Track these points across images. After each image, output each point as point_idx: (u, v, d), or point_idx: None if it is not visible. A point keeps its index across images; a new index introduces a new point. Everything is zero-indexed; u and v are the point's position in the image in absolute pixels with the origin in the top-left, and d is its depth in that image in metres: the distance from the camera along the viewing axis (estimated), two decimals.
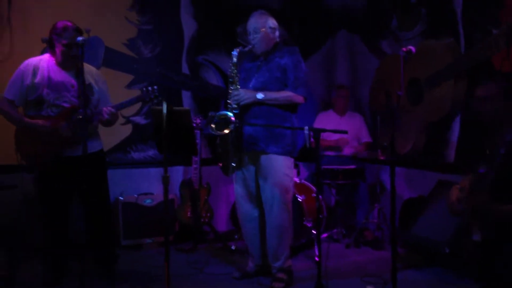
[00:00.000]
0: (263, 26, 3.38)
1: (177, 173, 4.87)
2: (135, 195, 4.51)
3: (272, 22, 3.44)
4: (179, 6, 4.97)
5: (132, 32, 4.76)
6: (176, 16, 4.96)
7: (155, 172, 4.82)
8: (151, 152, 4.84)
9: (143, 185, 4.72)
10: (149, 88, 3.34)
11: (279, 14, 5.27)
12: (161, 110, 2.44)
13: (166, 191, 2.35)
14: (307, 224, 4.13)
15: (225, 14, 5.12)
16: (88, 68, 3.38)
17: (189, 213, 4.50)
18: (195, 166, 4.49)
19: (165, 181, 2.38)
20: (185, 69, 5.00)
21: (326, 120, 4.94)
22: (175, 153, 2.86)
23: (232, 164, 3.34)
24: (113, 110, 3.27)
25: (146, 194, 4.58)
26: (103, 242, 3.53)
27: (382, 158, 4.29)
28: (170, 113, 2.45)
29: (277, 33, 3.46)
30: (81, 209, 3.43)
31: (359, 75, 5.42)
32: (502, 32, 3.61)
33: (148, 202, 4.52)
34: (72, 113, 3.23)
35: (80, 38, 2.88)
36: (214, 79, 5.12)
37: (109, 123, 3.40)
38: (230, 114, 3.11)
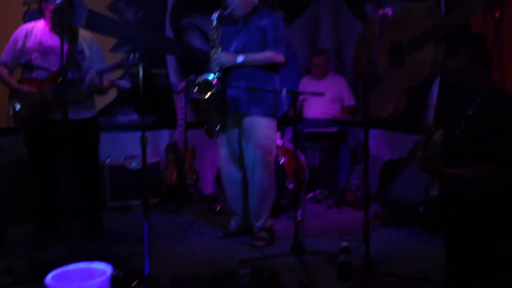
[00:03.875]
0: None
1: (163, 137, 4.93)
2: (121, 159, 4.57)
3: None
4: None
5: None
6: None
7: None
8: (135, 116, 4.86)
9: (129, 148, 4.77)
10: (131, 55, 3.33)
11: None
12: (137, 73, 2.48)
13: (144, 152, 2.44)
14: (289, 186, 4.24)
15: None
16: (83, 33, 3.42)
17: (174, 176, 4.59)
18: (180, 129, 4.55)
19: (143, 142, 2.45)
20: (169, 32, 4.98)
21: (307, 84, 4.99)
22: (152, 115, 2.91)
23: (217, 126, 3.40)
24: (92, 76, 3.27)
25: (132, 157, 4.64)
26: (92, 206, 3.62)
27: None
28: (147, 76, 2.50)
29: None
30: (70, 173, 3.50)
31: (344, 39, 5.44)
32: None
33: (134, 165, 4.60)
34: (58, 76, 3.25)
35: (58, 1, 2.88)
36: (198, 42, 5.12)
37: (96, 91, 3.43)
38: (211, 78, 3.16)
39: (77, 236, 3.54)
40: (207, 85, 3.14)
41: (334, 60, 5.28)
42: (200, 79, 3.16)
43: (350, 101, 4.99)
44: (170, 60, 4.99)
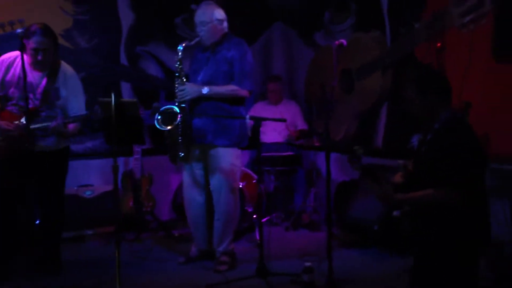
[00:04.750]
0: (210, 18, 3.43)
1: (119, 164, 4.85)
2: (75, 187, 4.48)
3: (219, 14, 3.49)
4: None
5: (68, 22, 4.68)
6: (113, 6, 4.92)
7: (95, 164, 4.82)
8: (90, 144, 4.80)
9: (82, 177, 4.69)
10: (97, 109, 3.22)
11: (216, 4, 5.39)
12: (110, 102, 2.49)
13: (116, 180, 2.44)
14: (248, 209, 4.31)
15: (163, 5, 5.14)
16: (64, 69, 3.38)
17: (131, 203, 4.54)
18: (136, 156, 4.53)
19: (115, 170, 2.45)
20: (123, 60, 4.99)
21: (261, 110, 5.07)
22: (123, 144, 2.92)
23: (180, 154, 3.42)
24: (58, 124, 3.23)
25: (86, 186, 4.56)
26: (54, 237, 3.54)
27: (317, 144, 4.54)
28: (118, 104, 2.51)
29: (225, 24, 3.53)
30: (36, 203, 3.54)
31: (295, 66, 5.65)
32: (422, 26, 3.93)
33: (88, 193, 4.51)
34: (32, 114, 3.20)
35: (19, 30, 2.88)
36: (153, 70, 5.15)
37: (59, 136, 3.37)
38: (176, 109, 3.20)
39: (35, 268, 3.46)
40: (172, 116, 3.18)
41: (286, 86, 5.46)
42: (165, 109, 3.19)
43: (303, 125, 5.16)
44: (125, 87, 4.99)
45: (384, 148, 4.51)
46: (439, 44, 3.66)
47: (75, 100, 3.42)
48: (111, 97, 2.61)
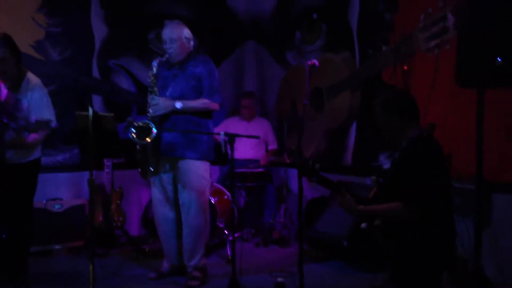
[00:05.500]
0: (179, 36, 3.52)
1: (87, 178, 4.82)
2: (44, 201, 4.41)
3: (187, 32, 3.60)
4: (89, 10, 4.95)
5: (40, 34, 4.65)
6: (86, 19, 4.93)
7: (64, 177, 4.77)
8: (60, 157, 4.75)
9: (50, 190, 4.63)
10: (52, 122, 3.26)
11: (189, 22, 5.45)
12: (87, 116, 2.51)
13: (92, 193, 2.44)
14: (220, 225, 4.34)
15: (136, 20, 5.18)
16: (29, 79, 3.30)
17: (101, 218, 4.50)
18: (107, 170, 4.50)
19: (91, 183, 2.46)
20: (96, 73, 4.98)
21: (234, 126, 5.10)
22: (99, 157, 2.92)
23: (150, 168, 3.45)
24: (13, 136, 3.19)
25: (54, 199, 4.50)
26: (21, 250, 3.47)
27: (288, 161, 4.62)
28: (95, 118, 2.53)
29: (191, 43, 3.64)
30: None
31: (266, 83, 5.77)
32: (390, 49, 4.11)
33: (57, 207, 4.45)
34: None
35: None
36: (125, 83, 5.15)
37: (19, 147, 3.31)
38: (152, 124, 3.23)
39: (1, 282, 3.38)
40: (147, 131, 3.20)
41: (258, 103, 5.55)
42: (139, 123, 3.21)
43: (273, 144, 5.24)
44: (96, 100, 4.97)
45: (353, 165, 4.64)
46: (405, 67, 3.84)
47: (38, 112, 3.30)
48: (86, 110, 2.63)
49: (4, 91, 3.23)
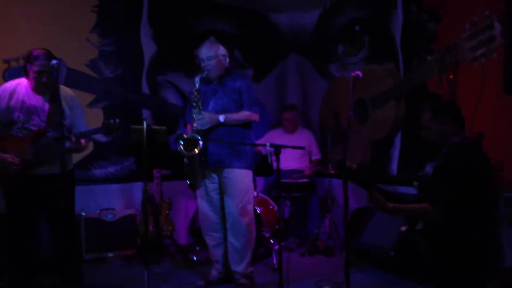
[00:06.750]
0: (216, 54, 3.70)
1: (138, 189, 5.03)
2: (97, 211, 4.63)
3: (223, 50, 3.77)
4: (139, 29, 5.19)
5: (94, 53, 4.92)
6: (136, 38, 5.17)
7: (116, 188, 4.99)
8: (112, 169, 4.98)
9: (103, 201, 4.85)
10: (111, 121, 3.41)
11: (234, 39, 5.64)
12: (142, 129, 2.66)
13: (145, 202, 2.57)
14: (265, 234, 4.42)
15: (182, 37, 5.38)
16: (64, 91, 3.50)
17: (151, 227, 4.66)
18: (156, 181, 4.67)
19: (145, 193, 2.61)
20: (145, 89, 5.20)
21: (278, 137, 5.18)
22: (152, 168, 3.07)
23: (199, 179, 3.59)
24: (73, 141, 3.37)
25: (107, 209, 4.71)
26: (70, 259, 3.64)
27: (332, 172, 4.66)
28: (149, 131, 2.68)
29: (227, 60, 3.81)
30: (48, 227, 3.56)
31: (309, 96, 5.84)
32: (435, 58, 4.10)
33: (110, 217, 4.65)
34: (38, 136, 3.35)
35: (54, 62, 3.06)
36: (173, 98, 5.35)
37: (75, 150, 3.52)
38: (199, 137, 3.41)
39: None
40: (194, 142, 3.37)
41: (301, 115, 5.62)
42: (188, 136, 3.39)
43: (317, 155, 5.30)
44: (146, 114, 5.19)
45: (398, 176, 4.62)
46: (451, 76, 3.82)
47: (80, 119, 3.56)
48: (141, 124, 2.78)
49: (46, 104, 3.42)
